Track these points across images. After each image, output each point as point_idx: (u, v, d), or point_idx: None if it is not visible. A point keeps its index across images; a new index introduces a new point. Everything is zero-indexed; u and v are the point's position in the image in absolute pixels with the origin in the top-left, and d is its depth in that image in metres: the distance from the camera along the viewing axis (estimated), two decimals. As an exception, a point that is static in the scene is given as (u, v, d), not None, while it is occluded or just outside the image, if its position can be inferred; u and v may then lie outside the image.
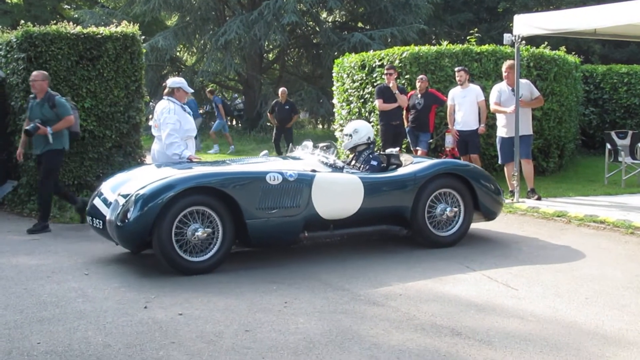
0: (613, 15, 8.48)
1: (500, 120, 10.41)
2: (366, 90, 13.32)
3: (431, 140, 11.69)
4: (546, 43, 14.57)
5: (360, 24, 27.31)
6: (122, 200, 6.51)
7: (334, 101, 14.94)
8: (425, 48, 12.88)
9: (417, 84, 11.50)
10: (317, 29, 26.04)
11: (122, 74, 10.17)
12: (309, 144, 8.15)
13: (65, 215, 9.38)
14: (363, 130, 8.11)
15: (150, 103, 23.36)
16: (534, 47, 13.53)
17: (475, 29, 17.74)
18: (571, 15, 9.20)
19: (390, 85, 11.32)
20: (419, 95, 11.40)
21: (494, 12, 28.08)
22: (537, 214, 9.24)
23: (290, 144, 8.73)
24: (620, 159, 12.15)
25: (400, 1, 24.23)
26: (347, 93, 14.04)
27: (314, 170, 7.11)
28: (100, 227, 6.80)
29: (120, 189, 6.84)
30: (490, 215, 7.90)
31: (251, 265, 6.72)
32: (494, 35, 23.10)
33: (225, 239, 6.49)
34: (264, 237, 6.78)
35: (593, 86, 17.67)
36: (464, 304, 5.43)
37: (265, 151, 8.71)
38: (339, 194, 7.04)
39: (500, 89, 10.43)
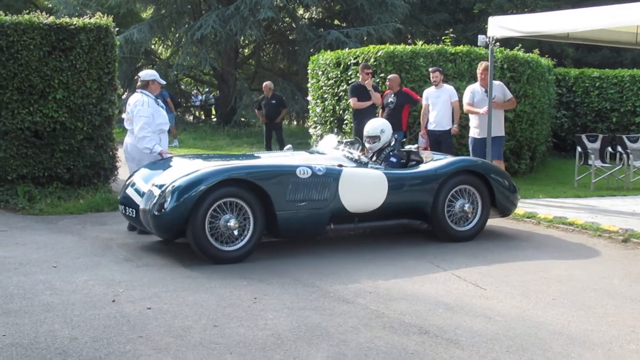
0: (586, 20, 8.57)
1: (473, 121, 10.47)
2: (341, 88, 13.34)
3: (404, 139, 11.74)
4: (520, 45, 14.73)
5: (336, 22, 27.32)
6: (157, 191, 6.69)
7: (309, 98, 14.94)
8: (400, 47, 12.91)
9: (387, 84, 11.55)
10: (293, 25, 25.99)
11: (95, 66, 10.09)
12: (332, 138, 8.46)
13: (35, 207, 9.27)
14: (388, 129, 8.35)
15: (123, 96, 23.21)
16: (508, 49, 13.64)
17: (451, 30, 17.94)
18: (545, 18, 9.28)
19: (366, 82, 11.33)
20: (392, 94, 11.44)
21: (469, 13, 28.24)
22: (507, 214, 9.30)
23: (314, 143, 8.79)
24: (590, 162, 12.29)
25: (377, 0, 24.28)
26: (321, 90, 14.04)
27: (340, 165, 7.38)
28: (133, 215, 7.04)
29: (154, 179, 7.03)
30: (505, 212, 8.24)
31: (222, 260, 6.70)
32: (469, 36, 23.22)
33: (256, 229, 6.71)
34: (292, 229, 7.02)
35: (565, 89, 17.86)
36: (433, 302, 5.46)
37: (289, 145, 8.88)
38: (364, 188, 7.31)
39: (473, 89, 10.49)
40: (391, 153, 8.19)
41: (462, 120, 11.41)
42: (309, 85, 14.92)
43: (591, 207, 9.97)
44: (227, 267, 6.43)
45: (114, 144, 10.67)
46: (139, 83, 8.19)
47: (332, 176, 7.09)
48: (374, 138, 8.23)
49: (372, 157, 8.20)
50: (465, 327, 4.87)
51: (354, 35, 22.66)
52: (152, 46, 28.04)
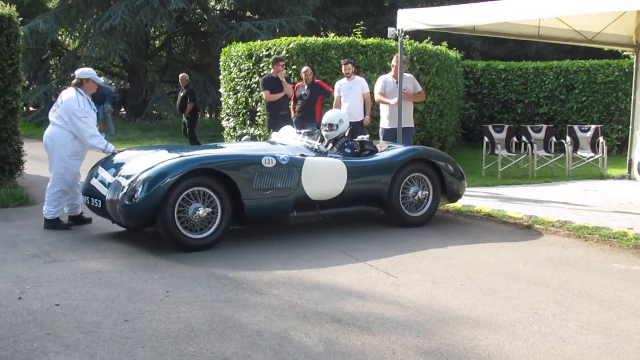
0: (490, 14, 8.84)
1: (384, 111, 10.63)
2: (253, 80, 13.31)
3: (317, 131, 11.78)
4: (429, 38, 15.00)
5: (248, 13, 27.20)
6: (125, 182, 6.78)
7: (221, 90, 14.84)
8: (312, 39, 12.98)
9: (302, 77, 11.56)
10: (205, 16, 25.75)
11: (-2, 57, 9.73)
12: (290, 129, 8.68)
13: None
14: (346, 120, 8.65)
15: (30, 88, 22.42)
16: (418, 42, 13.89)
17: (362, 22, 18.01)
18: (451, 11, 9.52)
19: (279, 73, 11.31)
20: (305, 86, 11.48)
21: (380, 6, 28.62)
22: (418, 204, 9.49)
23: (271, 130, 8.80)
24: (497, 151, 12.68)
25: (289, -8, 24.31)
26: (234, 82, 13.97)
27: (302, 155, 7.61)
28: (99, 206, 7.13)
29: (120, 170, 7.12)
30: (454, 198, 8.61)
31: (134, 254, 6.61)
32: (380, 29, 23.46)
33: (223, 217, 6.92)
34: (258, 216, 7.24)
35: (473, 81, 18.35)
36: (346, 291, 5.54)
37: (247, 136, 8.92)
38: (325, 176, 7.61)
39: (385, 80, 10.64)
40: (345, 143, 8.42)
41: (374, 111, 11.56)
42: (221, 77, 14.81)
43: (497, 195, 10.30)
44: (138, 261, 6.34)
45: (19, 138, 10.33)
46: (74, 80, 7.94)
47: (295, 165, 7.35)
48: (332, 126, 8.48)
49: (327, 146, 8.40)
50: (376, 315, 4.96)
51: (266, 27, 22.62)
52: (59, 37, 27.25)
